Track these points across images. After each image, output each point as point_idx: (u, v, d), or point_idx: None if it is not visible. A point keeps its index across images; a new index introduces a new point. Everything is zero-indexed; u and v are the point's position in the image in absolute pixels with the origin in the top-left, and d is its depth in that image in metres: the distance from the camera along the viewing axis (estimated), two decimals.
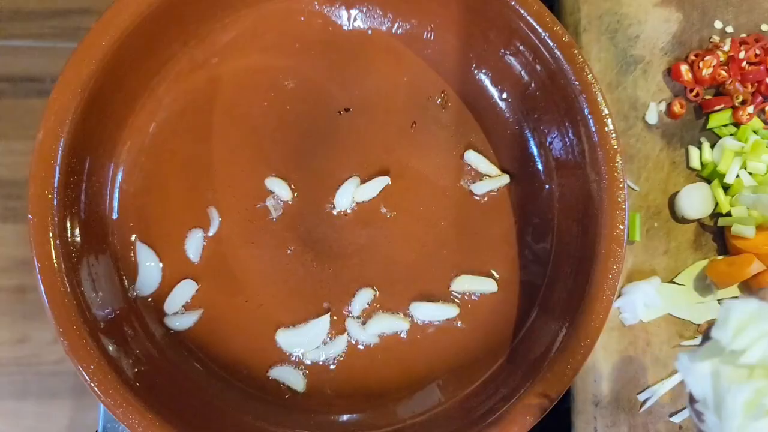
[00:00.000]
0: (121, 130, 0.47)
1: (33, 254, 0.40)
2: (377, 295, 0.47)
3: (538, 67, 0.46)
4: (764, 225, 0.50)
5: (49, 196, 0.40)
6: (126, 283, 0.46)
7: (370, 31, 0.50)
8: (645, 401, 0.50)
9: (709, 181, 0.53)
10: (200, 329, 0.46)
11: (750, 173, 0.52)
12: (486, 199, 0.49)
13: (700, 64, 0.53)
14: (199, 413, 0.43)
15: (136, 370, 0.42)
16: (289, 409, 0.46)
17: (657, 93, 0.54)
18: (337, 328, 0.47)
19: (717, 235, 0.52)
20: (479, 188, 0.49)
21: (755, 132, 0.53)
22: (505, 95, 0.50)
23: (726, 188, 0.52)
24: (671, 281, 0.52)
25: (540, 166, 0.49)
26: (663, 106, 0.54)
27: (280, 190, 0.47)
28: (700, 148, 0.53)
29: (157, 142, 0.47)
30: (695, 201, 0.51)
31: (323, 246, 0.48)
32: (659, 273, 0.51)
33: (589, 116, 0.44)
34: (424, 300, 0.47)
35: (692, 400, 0.31)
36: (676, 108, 0.53)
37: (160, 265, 0.46)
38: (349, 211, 0.48)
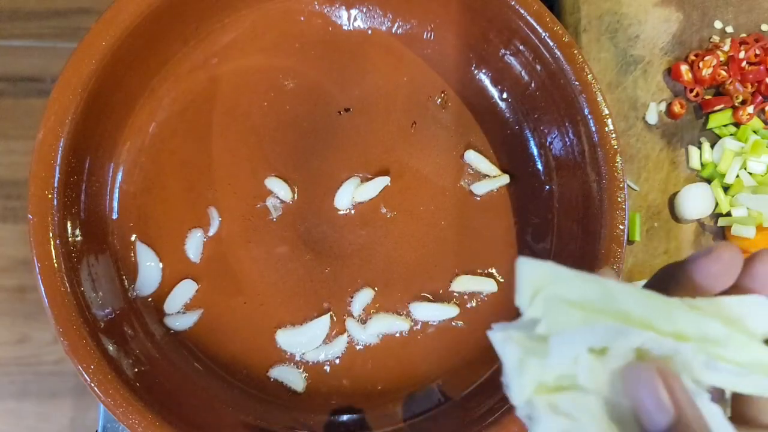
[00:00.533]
0: (121, 130, 0.47)
1: (33, 254, 0.40)
2: (377, 295, 0.47)
3: (538, 67, 0.46)
4: (764, 225, 0.50)
5: (49, 196, 0.40)
6: (126, 283, 0.46)
7: (370, 31, 0.50)
8: None
9: (709, 181, 0.53)
10: (200, 329, 0.46)
11: (750, 173, 0.52)
12: (486, 199, 0.49)
13: (700, 64, 0.53)
14: (199, 413, 0.43)
15: (136, 370, 0.42)
16: (289, 409, 0.46)
17: (657, 93, 0.54)
18: (337, 328, 0.47)
19: (717, 235, 0.52)
20: (479, 188, 0.49)
21: (755, 132, 0.53)
22: (505, 95, 0.50)
23: (726, 188, 0.52)
24: None
25: (540, 166, 0.49)
26: (663, 106, 0.54)
27: (280, 190, 0.47)
28: (700, 148, 0.53)
29: (157, 142, 0.47)
30: (695, 201, 0.51)
31: (323, 246, 0.48)
32: None
33: (589, 116, 0.44)
34: (424, 300, 0.47)
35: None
36: (676, 108, 0.53)
37: (160, 265, 0.46)
38: (349, 211, 0.48)
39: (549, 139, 0.48)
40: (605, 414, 0.24)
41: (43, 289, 0.39)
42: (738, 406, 0.26)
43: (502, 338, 0.25)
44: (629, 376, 0.23)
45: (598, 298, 0.24)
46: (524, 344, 0.24)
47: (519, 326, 0.25)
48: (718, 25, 0.56)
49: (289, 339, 0.46)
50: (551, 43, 0.44)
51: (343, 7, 0.49)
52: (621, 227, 0.43)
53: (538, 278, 0.24)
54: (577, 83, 0.44)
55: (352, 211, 0.48)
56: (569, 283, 0.24)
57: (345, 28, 0.50)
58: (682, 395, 0.23)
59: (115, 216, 0.46)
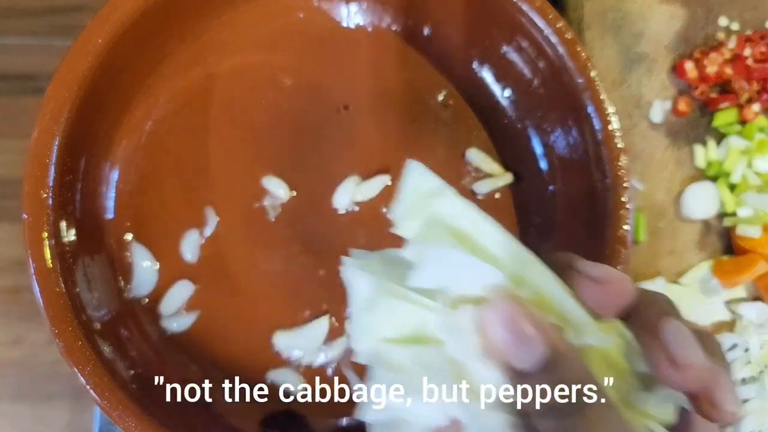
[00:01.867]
0: (117, 128, 0.46)
1: (28, 254, 0.39)
2: None
3: (541, 64, 0.46)
4: None
5: (44, 195, 0.40)
6: (122, 284, 0.45)
7: (369, 28, 0.49)
8: None
9: (714, 180, 0.52)
10: (197, 331, 0.45)
11: (756, 172, 0.51)
12: (488, 198, 0.48)
13: (705, 62, 0.53)
14: (196, 416, 0.43)
15: (132, 372, 0.41)
16: (288, 411, 0.45)
17: (661, 91, 0.54)
18: (337, 331, 0.46)
19: (722, 235, 0.52)
20: (481, 187, 0.48)
21: (761, 130, 0.53)
22: (507, 93, 0.49)
23: (732, 187, 0.52)
24: (676, 282, 0.51)
25: (543, 165, 0.49)
26: (667, 104, 0.53)
27: (278, 189, 0.47)
28: (705, 147, 0.53)
29: (153, 140, 0.47)
30: (700, 200, 0.51)
31: (322, 246, 0.47)
32: (664, 273, 0.51)
33: (593, 114, 0.43)
34: None
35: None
36: (681, 106, 0.53)
37: (156, 265, 0.46)
38: (348, 211, 0.48)
39: (552, 138, 0.48)
40: (448, 369, 0.21)
41: (38, 289, 0.39)
42: None
43: (355, 266, 0.21)
44: (487, 314, 0.21)
45: (484, 234, 0.21)
46: (382, 274, 0.21)
47: (378, 255, 0.22)
48: (723, 22, 0.55)
49: (287, 341, 0.45)
50: (554, 40, 0.44)
51: (342, 4, 0.49)
52: (626, 227, 0.42)
53: (425, 191, 0.21)
54: (580, 80, 0.43)
55: (352, 211, 0.48)
56: (457, 206, 0.21)
57: (344, 24, 0.49)
58: (549, 326, 0.21)
59: (110, 216, 0.46)
